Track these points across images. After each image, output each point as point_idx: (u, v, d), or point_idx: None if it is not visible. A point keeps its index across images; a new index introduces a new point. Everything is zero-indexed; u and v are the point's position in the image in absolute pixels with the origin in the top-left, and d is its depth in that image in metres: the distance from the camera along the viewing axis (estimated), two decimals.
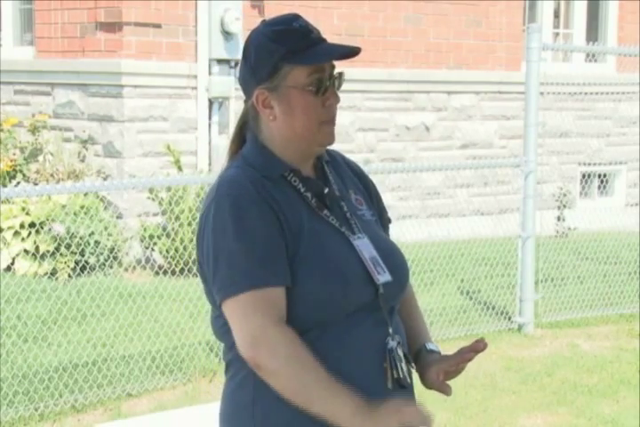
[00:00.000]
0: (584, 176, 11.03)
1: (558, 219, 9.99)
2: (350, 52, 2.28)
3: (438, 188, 9.99)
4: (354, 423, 2.11)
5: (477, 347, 2.33)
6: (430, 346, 2.42)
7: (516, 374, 6.20)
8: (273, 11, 8.50)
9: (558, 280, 8.04)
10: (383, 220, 2.49)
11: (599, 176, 11.07)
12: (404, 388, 2.28)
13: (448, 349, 7.40)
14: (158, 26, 8.50)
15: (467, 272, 8.04)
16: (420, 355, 2.40)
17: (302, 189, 2.29)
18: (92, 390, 5.51)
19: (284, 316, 2.17)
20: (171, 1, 8.54)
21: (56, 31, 8.92)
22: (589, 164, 11.06)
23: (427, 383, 2.37)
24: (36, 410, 5.29)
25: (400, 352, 2.27)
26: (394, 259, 2.34)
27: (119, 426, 5.15)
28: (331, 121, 2.30)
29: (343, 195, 2.37)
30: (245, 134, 2.36)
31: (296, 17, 2.30)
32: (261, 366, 2.14)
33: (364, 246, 2.29)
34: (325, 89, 2.27)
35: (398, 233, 8.07)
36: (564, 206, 10.17)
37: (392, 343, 2.26)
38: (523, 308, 7.19)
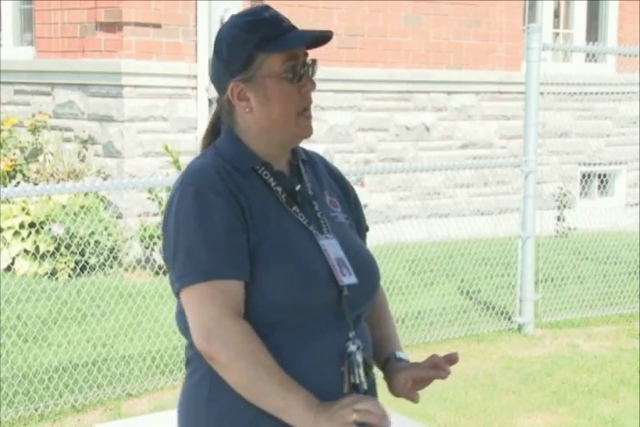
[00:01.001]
0: (584, 176, 11.03)
1: (558, 219, 10.00)
2: (322, 37, 2.26)
3: (438, 188, 9.99)
4: (308, 419, 2.08)
5: (451, 358, 2.30)
6: (400, 354, 2.37)
7: (516, 374, 6.20)
8: None
9: (558, 280, 8.04)
10: (361, 228, 2.46)
11: (599, 176, 11.07)
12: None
13: (448, 349, 7.39)
14: (158, 26, 8.50)
15: (467, 272, 8.04)
16: (388, 362, 2.36)
17: (273, 184, 2.26)
18: (92, 390, 5.51)
19: (242, 310, 2.14)
20: (171, 1, 8.54)
21: (56, 31, 8.92)
22: (589, 164, 11.06)
23: (394, 391, 2.33)
24: (36, 410, 5.29)
25: (359, 358, 2.22)
26: (363, 263, 2.30)
27: (119, 426, 5.15)
28: (308, 111, 2.28)
29: (316, 194, 2.34)
30: (219, 131, 2.34)
31: (266, 7, 2.29)
32: (214, 359, 2.12)
33: (331, 246, 2.26)
34: (301, 76, 2.26)
35: (398, 233, 8.10)
36: (564, 206, 10.17)
37: (352, 348, 2.21)
38: (523, 308, 7.19)
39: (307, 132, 2.29)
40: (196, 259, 2.15)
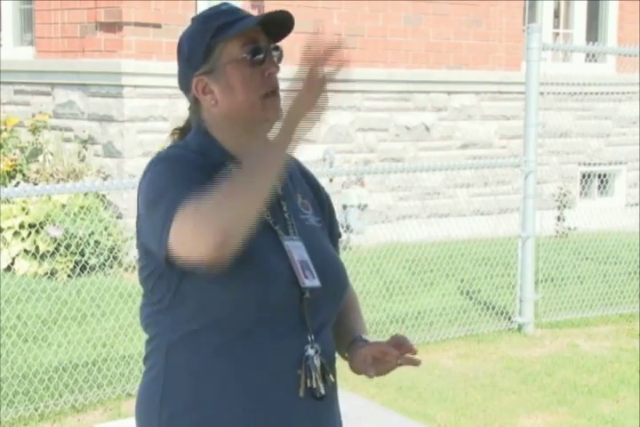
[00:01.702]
0: (584, 176, 11.03)
1: (558, 219, 10.00)
2: (281, 17, 2.21)
3: (438, 188, 9.99)
4: (267, 154, 2.01)
5: (409, 346, 2.25)
6: (365, 337, 2.34)
7: (516, 374, 6.20)
8: None
9: (558, 280, 8.04)
10: (333, 234, 2.42)
11: (599, 176, 11.07)
12: (318, 400, 2.20)
13: (448, 349, 7.38)
14: (158, 26, 8.50)
15: (467, 272, 8.04)
16: (352, 343, 2.33)
17: None
18: (92, 390, 5.51)
19: None
20: (171, 1, 8.54)
21: (56, 31, 8.92)
22: (589, 164, 11.07)
23: (353, 366, 2.30)
24: (36, 410, 5.29)
25: (317, 362, 2.18)
26: (329, 268, 2.26)
27: (119, 426, 5.15)
28: (275, 93, 2.23)
29: (286, 195, 2.29)
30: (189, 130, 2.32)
31: (224, 3, 2.29)
32: (193, 239, 2.00)
33: (295, 248, 2.21)
34: (263, 59, 2.22)
35: (398, 233, 8.10)
36: (564, 206, 10.17)
37: (310, 351, 2.18)
38: (523, 308, 7.19)
39: (275, 112, 2.21)
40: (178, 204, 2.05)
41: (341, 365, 2.35)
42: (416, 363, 2.27)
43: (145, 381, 2.27)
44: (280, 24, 2.24)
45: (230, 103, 2.22)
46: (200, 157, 2.20)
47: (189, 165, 2.16)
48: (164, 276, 2.17)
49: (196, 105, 2.27)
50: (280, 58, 2.27)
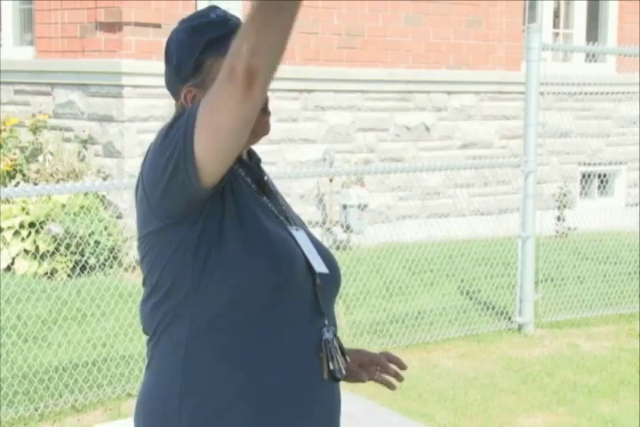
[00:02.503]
0: (584, 176, 11.03)
1: (558, 219, 10.00)
2: None
3: (438, 188, 9.99)
4: None
5: (402, 364, 2.41)
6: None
7: (516, 374, 6.20)
8: None
9: (558, 280, 8.04)
10: None
11: (599, 176, 11.08)
12: (337, 381, 2.26)
13: (448, 349, 7.37)
14: (158, 26, 8.50)
15: (467, 272, 8.04)
16: None
17: (242, 173, 2.25)
18: (92, 390, 5.51)
19: None
20: (171, 1, 8.54)
21: (56, 31, 8.92)
22: (589, 164, 11.07)
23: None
24: (36, 410, 5.29)
25: (336, 344, 2.25)
26: (328, 257, 2.32)
27: (119, 426, 5.16)
28: (265, 109, 2.23)
29: (278, 195, 2.36)
30: None
31: (214, 8, 2.26)
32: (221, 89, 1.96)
33: (302, 238, 2.27)
34: None
35: (398, 233, 8.10)
36: (564, 206, 10.17)
37: (328, 335, 2.23)
38: (523, 308, 7.19)
39: (265, 129, 2.25)
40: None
41: None
42: (392, 387, 2.44)
43: (155, 378, 2.23)
44: None
45: None
46: None
47: None
48: (187, 252, 2.14)
49: (184, 111, 2.27)
50: None
